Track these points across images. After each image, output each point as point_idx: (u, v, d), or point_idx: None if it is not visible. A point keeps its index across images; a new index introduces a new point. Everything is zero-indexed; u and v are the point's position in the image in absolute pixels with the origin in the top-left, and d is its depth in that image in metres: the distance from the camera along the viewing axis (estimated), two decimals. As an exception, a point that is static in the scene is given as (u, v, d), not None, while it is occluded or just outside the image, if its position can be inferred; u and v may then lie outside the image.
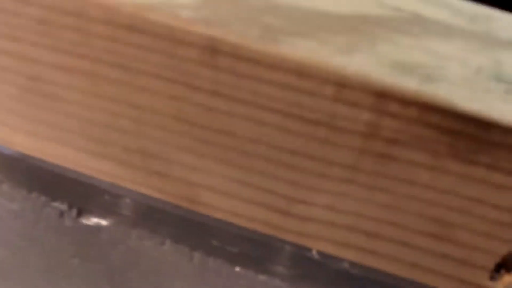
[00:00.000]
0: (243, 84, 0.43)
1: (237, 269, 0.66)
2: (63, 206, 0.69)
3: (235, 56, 0.44)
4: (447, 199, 0.44)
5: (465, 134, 0.40)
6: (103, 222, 0.69)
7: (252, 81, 0.43)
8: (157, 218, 0.67)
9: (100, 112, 0.54)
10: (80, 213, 0.69)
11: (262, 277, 0.66)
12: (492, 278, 0.57)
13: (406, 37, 0.46)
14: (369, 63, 0.41)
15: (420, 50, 0.44)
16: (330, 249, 0.53)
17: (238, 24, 0.45)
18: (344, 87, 0.41)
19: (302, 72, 0.42)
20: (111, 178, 0.60)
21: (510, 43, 0.48)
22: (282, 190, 0.49)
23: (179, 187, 0.56)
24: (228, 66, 0.44)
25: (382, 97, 0.41)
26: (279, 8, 0.46)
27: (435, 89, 0.40)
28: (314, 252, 0.58)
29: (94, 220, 0.68)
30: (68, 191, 0.69)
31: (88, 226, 0.69)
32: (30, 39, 0.51)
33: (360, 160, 0.44)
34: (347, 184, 0.46)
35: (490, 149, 0.40)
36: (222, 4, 0.46)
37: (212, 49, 0.44)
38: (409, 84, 0.40)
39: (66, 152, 0.60)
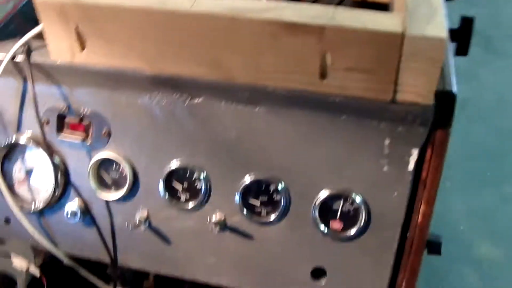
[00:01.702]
0: None
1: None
2: (182, 96, 1.26)
3: None
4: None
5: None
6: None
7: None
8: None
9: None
10: (191, 98, 1.26)
11: None
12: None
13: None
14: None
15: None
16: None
17: None
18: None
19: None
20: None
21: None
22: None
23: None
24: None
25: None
26: None
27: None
28: None
29: (198, 100, 1.26)
30: (181, 86, 1.22)
31: (196, 103, 1.26)
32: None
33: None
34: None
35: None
36: None
37: None
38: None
39: (178, 66, 1.20)
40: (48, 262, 1.90)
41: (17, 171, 1.46)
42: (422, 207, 1.19)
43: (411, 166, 1.18)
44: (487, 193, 3.74)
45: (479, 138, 4.13)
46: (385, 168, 1.19)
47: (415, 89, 1.09)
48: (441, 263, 3.08)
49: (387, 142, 1.17)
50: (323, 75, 1.12)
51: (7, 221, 1.50)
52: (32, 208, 1.44)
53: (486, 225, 3.53)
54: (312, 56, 1.09)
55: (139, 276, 1.76)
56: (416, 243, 1.22)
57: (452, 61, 1.24)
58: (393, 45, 1.03)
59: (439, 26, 1.03)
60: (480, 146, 4.08)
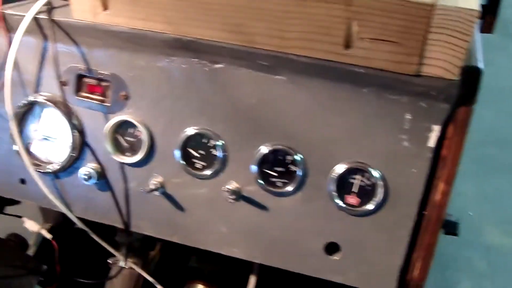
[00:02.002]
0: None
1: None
2: (203, 60, 1.26)
3: None
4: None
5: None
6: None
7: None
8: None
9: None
10: (211, 63, 1.25)
11: None
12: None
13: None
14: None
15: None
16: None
17: None
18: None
19: None
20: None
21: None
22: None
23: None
24: None
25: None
26: None
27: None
28: None
29: (219, 65, 1.25)
30: (202, 50, 1.24)
31: (217, 68, 1.25)
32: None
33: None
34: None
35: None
36: None
37: None
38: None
39: (201, 29, 1.19)
40: (57, 226, 1.91)
41: (34, 131, 1.45)
42: (441, 185, 1.18)
43: (431, 142, 1.17)
44: (498, 179, 3.73)
45: (491, 124, 4.10)
46: (405, 143, 1.18)
47: (441, 63, 1.07)
48: (450, 247, 3.08)
49: (408, 116, 1.16)
50: (347, 44, 1.10)
51: (23, 181, 1.50)
52: (48, 170, 1.43)
53: (495, 211, 3.52)
54: (338, 24, 1.08)
55: (146, 245, 1.76)
56: (433, 222, 1.21)
57: (479, 37, 1.22)
58: (423, 16, 1.01)
59: (471, -1, 1.02)
60: (492, 132, 4.06)
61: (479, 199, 3.56)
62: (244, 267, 1.61)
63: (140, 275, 1.67)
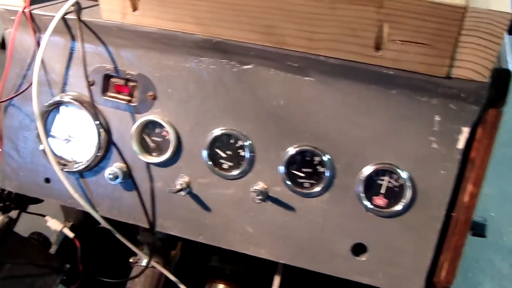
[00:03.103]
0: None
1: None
2: (232, 61, 1.28)
3: None
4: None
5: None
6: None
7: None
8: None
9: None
10: (240, 64, 1.28)
11: None
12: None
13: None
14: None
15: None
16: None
17: None
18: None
19: None
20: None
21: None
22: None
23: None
24: None
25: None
26: None
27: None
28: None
29: (248, 66, 1.28)
30: (231, 51, 1.26)
31: (245, 69, 1.28)
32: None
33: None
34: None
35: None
36: None
37: None
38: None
39: (231, 30, 1.22)
40: (79, 224, 1.93)
41: (60, 131, 1.47)
42: (470, 187, 1.19)
43: (460, 144, 1.18)
44: (520, 181, 3.73)
45: (515, 125, 4.09)
46: (434, 145, 1.19)
47: (472, 66, 1.08)
48: (472, 249, 3.07)
49: (437, 118, 1.17)
50: (378, 46, 1.11)
51: (47, 181, 1.52)
52: (73, 169, 1.46)
53: (517, 213, 3.52)
54: (368, 26, 1.09)
55: (168, 244, 1.77)
56: (461, 223, 1.21)
57: (508, 39, 1.24)
58: (455, 18, 1.03)
59: (503, 1, 1.03)
60: (516, 133, 4.05)
61: (501, 200, 3.55)
62: (265, 267, 1.62)
63: (162, 274, 1.68)
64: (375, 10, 1.07)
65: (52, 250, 1.88)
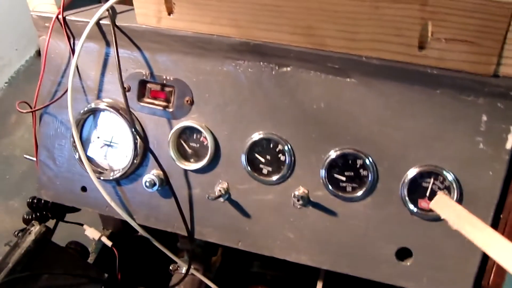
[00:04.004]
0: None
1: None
2: (270, 64, 1.27)
3: None
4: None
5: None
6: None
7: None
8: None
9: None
10: (279, 66, 1.27)
11: None
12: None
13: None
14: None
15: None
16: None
17: None
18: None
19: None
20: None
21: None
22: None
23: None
24: None
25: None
26: None
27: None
28: None
29: (287, 69, 1.27)
30: (270, 54, 1.25)
31: (284, 72, 1.27)
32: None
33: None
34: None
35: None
36: None
37: None
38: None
39: (269, 32, 1.21)
40: (117, 233, 1.93)
41: (96, 138, 1.47)
42: (519, 188, 1.17)
43: (509, 144, 1.16)
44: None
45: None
46: (481, 146, 1.17)
47: (520, 63, 1.06)
48: None
49: (484, 118, 1.15)
50: (421, 45, 1.10)
51: (84, 189, 1.52)
52: (110, 177, 1.46)
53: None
54: (412, 25, 1.08)
55: (208, 251, 1.77)
56: (510, 225, 1.19)
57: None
58: (504, 15, 1.01)
59: (553, -4, 1.01)
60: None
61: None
62: (307, 272, 1.61)
63: (202, 281, 1.68)
64: (419, 8, 1.05)
65: (91, 259, 1.88)
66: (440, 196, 1.22)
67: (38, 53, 1.31)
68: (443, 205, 1.19)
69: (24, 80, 4.45)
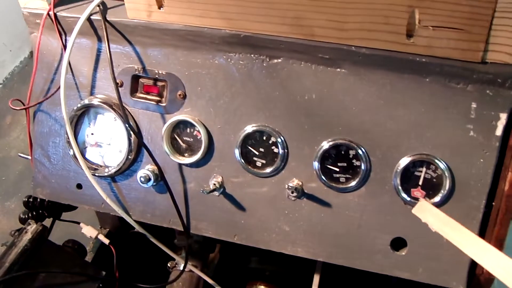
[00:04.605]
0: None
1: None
2: (261, 56, 1.29)
3: None
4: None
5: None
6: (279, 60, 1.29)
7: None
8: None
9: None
10: (270, 58, 1.29)
11: None
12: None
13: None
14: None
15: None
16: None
17: None
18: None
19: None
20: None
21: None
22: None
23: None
24: None
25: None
26: None
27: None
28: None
29: (278, 60, 1.29)
30: (260, 45, 1.27)
31: (275, 63, 1.29)
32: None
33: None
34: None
35: None
36: None
37: None
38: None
39: (259, 24, 1.22)
40: (115, 230, 1.94)
41: (90, 135, 1.49)
42: (510, 175, 1.17)
43: (499, 131, 1.17)
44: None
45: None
46: (471, 133, 1.19)
47: (507, 49, 1.08)
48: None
49: (474, 105, 1.16)
50: (409, 33, 1.11)
51: (79, 186, 1.53)
52: (105, 173, 1.47)
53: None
54: (399, 13, 1.09)
55: (205, 247, 1.78)
56: (502, 213, 1.20)
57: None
58: (488, 0, 1.02)
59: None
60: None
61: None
62: (305, 266, 1.62)
63: (200, 277, 1.69)
64: (405, -4, 1.07)
65: (89, 258, 1.90)
66: (422, 202, 1.24)
67: (32, 54, 1.33)
68: (424, 210, 1.21)
69: (18, 81, 4.47)
